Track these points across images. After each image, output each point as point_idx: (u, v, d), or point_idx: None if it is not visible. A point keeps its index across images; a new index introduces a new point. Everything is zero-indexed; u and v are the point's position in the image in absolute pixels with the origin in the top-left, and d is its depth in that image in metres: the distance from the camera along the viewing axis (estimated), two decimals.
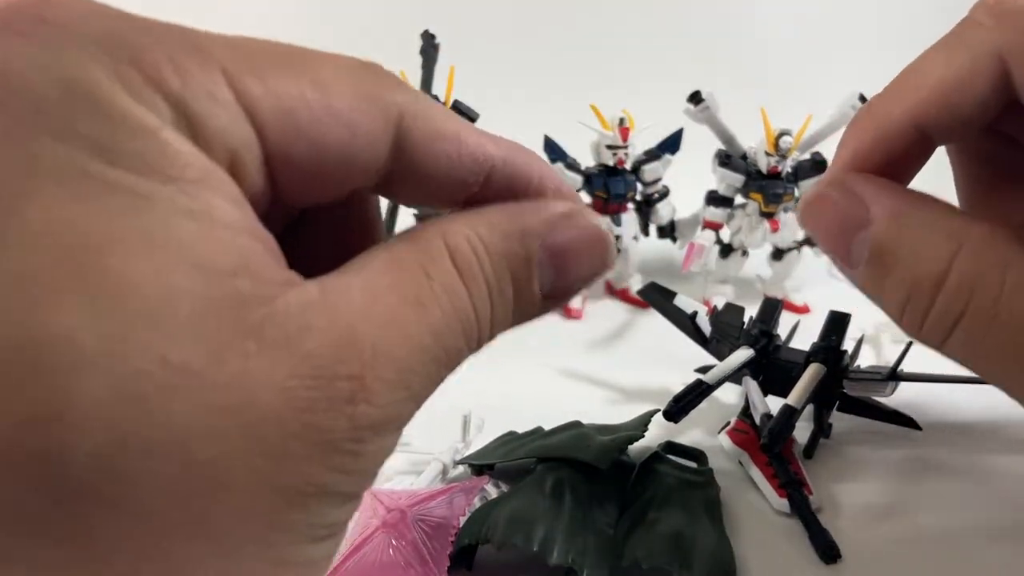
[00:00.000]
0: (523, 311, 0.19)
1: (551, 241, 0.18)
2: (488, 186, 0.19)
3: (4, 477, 0.12)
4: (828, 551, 0.35)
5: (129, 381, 0.12)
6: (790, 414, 0.37)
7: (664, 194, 0.64)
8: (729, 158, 0.61)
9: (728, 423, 0.43)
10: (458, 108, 0.59)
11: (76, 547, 0.13)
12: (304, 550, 0.15)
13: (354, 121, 0.16)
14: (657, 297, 0.51)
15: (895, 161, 0.22)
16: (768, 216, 0.61)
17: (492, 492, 0.39)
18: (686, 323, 0.48)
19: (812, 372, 0.41)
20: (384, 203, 0.63)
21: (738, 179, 0.61)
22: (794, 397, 0.38)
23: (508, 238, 0.18)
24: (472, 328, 0.17)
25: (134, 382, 0.13)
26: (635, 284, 0.64)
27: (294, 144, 0.15)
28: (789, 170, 0.60)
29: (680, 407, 0.38)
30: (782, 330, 0.46)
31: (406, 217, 0.62)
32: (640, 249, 0.65)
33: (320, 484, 0.14)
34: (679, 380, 0.50)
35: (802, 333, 0.47)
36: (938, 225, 0.20)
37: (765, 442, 0.36)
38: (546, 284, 0.19)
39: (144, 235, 0.13)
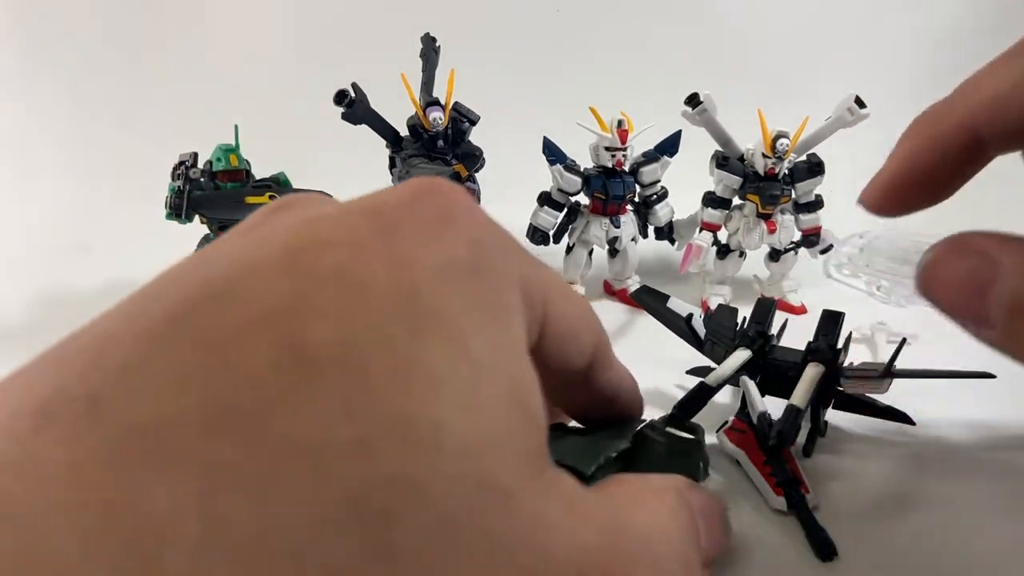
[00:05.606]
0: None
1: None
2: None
3: (340, 527, 0.14)
4: (825, 549, 0.35)
5: (469, 479, 0.15)
6: (796, 414, 0.37)
7: (662, 196, 0.64)
8: (726, 160, 0.62)
9: (726, 422, 0.44)
10: (458, 111, 0.59)
11: None
12: None
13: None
14: (650, 300, 0.51)
15: (949, 165, 0.22)
16: (765, 218, 0.62)
17: None
18: (680, 326, 0.49)
19: (813, 372, 0.41)
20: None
21: (735, 181, 0.61)
22: (798, 397, 0.39)
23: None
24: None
25: (473, 482, 0.15)
26: (633, 285, 0.65)
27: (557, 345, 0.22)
28: (786, 172, 0.61)
29: (685, 412, 0.38)
30: (772, 330, 0.47)
31: None
32: (639, 250, 0.65)
33: None
34: (675, 381, 0.50)
35: (792, 332, 0.48)
36: None
37: (774, 443, 0.36)
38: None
39: (513, 376, 0.18)
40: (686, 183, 0.64)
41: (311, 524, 0.14)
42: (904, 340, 0.44)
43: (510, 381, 0.17)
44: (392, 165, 0.61)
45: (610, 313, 0.63)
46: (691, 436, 0.40)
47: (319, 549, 0.14)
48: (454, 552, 0.15)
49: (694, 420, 0.40)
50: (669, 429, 0.40)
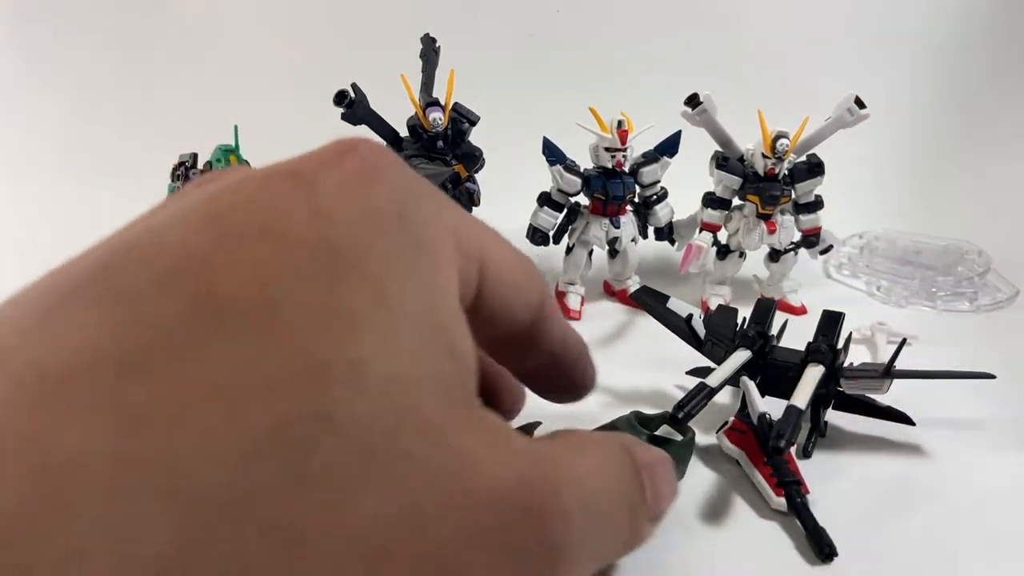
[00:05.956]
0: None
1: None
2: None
3: (256, 459, 0.14)
4: (825, 549, 0.35)
5: (389, 411, 0.16)
6: (796, 414, 0.37)
7: (662, 196, 0.64)
8: (726, 160, 0.62)
9: (726, 422, 0.44)
10: (458, 111, 0.59)
11: None
12: None
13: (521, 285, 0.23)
14: (650, 301, 0.51)
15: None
16: (765, 218, 0.62)
17: None
18: (680, 326, 0.49)
19: (813, 373, 0.41)
20: None
21: (735, 181, 0.61)
22: (799, 398, 0.39)
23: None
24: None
25: (394, 414, 0.16)
26: (633, 285, 0.65)
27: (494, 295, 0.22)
28: (786, 172, 0.61)
29: (686, 412, 0.38)
30: (772, 330, 0.47)
31: None
32: (639, 251, 0.65)
33: None
34: (675, 381, 0.50)
35: (791, 332, 0.48)
36: None
37: (775, 445, 0.36)
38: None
39: (437, 319, 0.18)
40: (686, 183, 0.64)
41: (226, 459, 0.14)
42: (904, 340, 0.44)
43: (434, 324, 0.18)
44: None
45: (610, 313, 0.63)
46: (680, 437, 0.39)
47: (236, 482, 0.14)
48: (375, 479, 0.15)
49: (691, 422, 0.40)
50: (659, 433, 0.40)
